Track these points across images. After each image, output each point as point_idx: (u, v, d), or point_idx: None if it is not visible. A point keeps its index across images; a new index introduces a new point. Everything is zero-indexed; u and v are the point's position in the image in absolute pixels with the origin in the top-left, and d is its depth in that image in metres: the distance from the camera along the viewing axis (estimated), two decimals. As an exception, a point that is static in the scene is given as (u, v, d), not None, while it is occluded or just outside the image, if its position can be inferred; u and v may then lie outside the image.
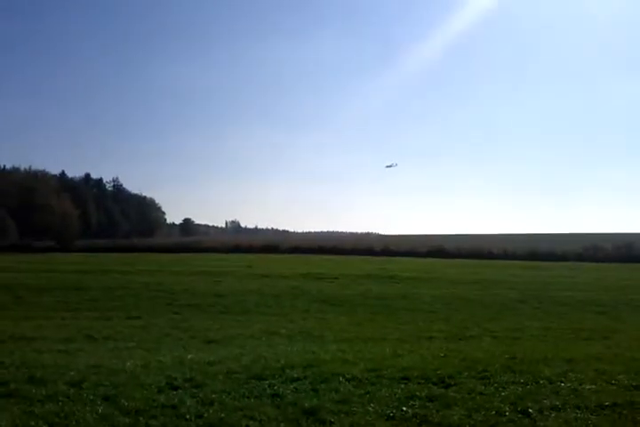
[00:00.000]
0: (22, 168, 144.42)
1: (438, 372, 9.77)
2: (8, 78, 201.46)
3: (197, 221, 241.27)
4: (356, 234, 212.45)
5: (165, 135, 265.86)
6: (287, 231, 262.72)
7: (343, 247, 69.71)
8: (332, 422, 7.23)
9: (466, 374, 9.70)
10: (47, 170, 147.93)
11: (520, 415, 7.45)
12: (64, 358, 11.90)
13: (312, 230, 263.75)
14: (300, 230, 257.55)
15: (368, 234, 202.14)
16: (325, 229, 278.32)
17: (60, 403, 8.12)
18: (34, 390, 8.68)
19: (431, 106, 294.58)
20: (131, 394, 8.57)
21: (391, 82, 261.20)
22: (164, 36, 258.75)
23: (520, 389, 8.81)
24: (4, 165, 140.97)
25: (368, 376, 9.56)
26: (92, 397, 8.46)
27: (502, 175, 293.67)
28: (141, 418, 7.38)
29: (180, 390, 8.89)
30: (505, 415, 7.44)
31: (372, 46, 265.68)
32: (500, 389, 8.81)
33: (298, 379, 9.51)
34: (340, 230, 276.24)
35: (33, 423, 7.09)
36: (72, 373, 9.95)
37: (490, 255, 66.79)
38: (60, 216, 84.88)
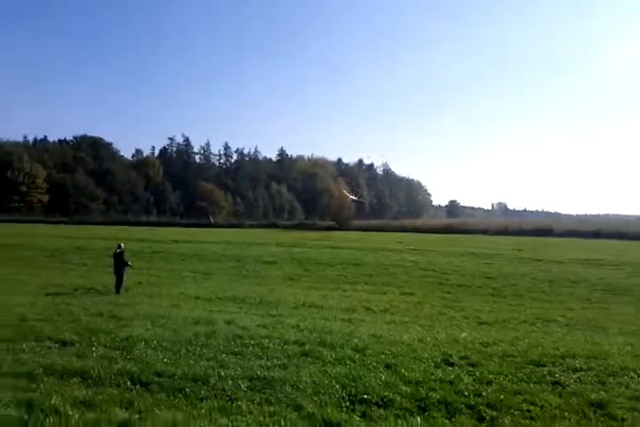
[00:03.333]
0: (306, 156, 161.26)
1: None
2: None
3: (463, 203, 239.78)
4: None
5: (429, 119, 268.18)
6: (559, 214, 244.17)
7: (628, 231, 61.84)
8: (623, 419, 6.70)
9: None
10: (326, 157, 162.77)
11: None
12: (348, 326, 13.14)
13: (588, 213, 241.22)
14: (574, 213, 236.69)
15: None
16: (604, 212, 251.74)
17: (348, 366, 9.04)
18: (325, 353, 9.83)
19: None
20: (409, 365, 9.11)
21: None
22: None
23: None
24: (291, 155, 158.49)
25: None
26: (374, 363, 9.23)
27: None
28: (421, 389, 7.80)
29: (456, 367, 9.12)
30: None
31: None
32: None
33: (581, 369, 8.98)
34: (622, 213, 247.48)
35: (327, 382, 8.04)
36: (356, 340, 10.97)
37: None
38: (338, 198, 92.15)
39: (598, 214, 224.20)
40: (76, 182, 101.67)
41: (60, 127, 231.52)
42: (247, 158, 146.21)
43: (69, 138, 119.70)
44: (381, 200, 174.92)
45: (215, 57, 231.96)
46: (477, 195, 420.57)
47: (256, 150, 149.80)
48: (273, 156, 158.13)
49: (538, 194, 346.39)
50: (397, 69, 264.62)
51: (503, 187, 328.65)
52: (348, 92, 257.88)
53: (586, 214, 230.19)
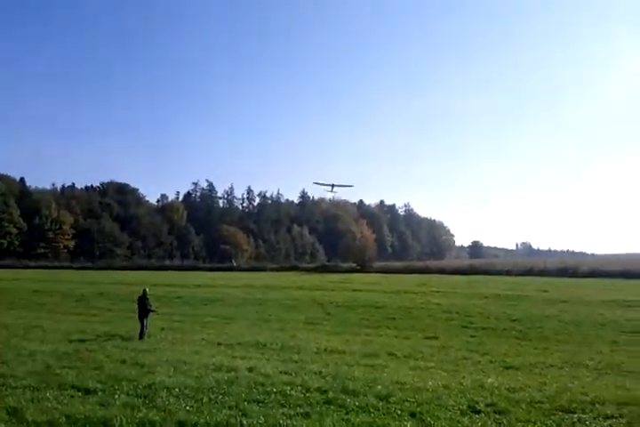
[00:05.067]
0: (327, 198, 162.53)
1: None
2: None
3: (486, 243, 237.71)
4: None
5: (453, 161, 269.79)
6: (584, 253, 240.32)
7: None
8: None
9: None
10: (347, 199, 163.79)
11: None
12: (371, 372, 12.98)
13: (614, 252, 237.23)
14: (599, 252, 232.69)
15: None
16: (631, 251, 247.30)
17: (372, 415, 8.92)
18: (348, 400, 9.72)
19: None
20: (435, 413, 8.96)
21: None
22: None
23: None
24: (313, 196, 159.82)
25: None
26: (399, 411, 9.10)
27: None
28: (448, 438, 7.66)
29: (483, 415, 8.95)
30: None
31: None
32: None
33: (612, 416, 8.75)
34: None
35: (350, 431, 7.94)
36: (379, 387, 10.84)
37: None
38: (360, 240, 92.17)
39: (623, 253, 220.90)
40: (101, 228, 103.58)
41: (88, 174, 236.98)
42: (269, 201, 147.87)
43: (96, 184, 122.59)
44: (404, 241, 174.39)
45: (238, 101, 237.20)
46: (501, 235, 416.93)
47: (278, 193, 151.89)
48: (295, 198, 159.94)
49: (562, 233, 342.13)
50: (426, 111, 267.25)
51: (527, 226, 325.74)
52: (372, 134, 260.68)
53: (611, 254, 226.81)
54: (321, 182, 77.75)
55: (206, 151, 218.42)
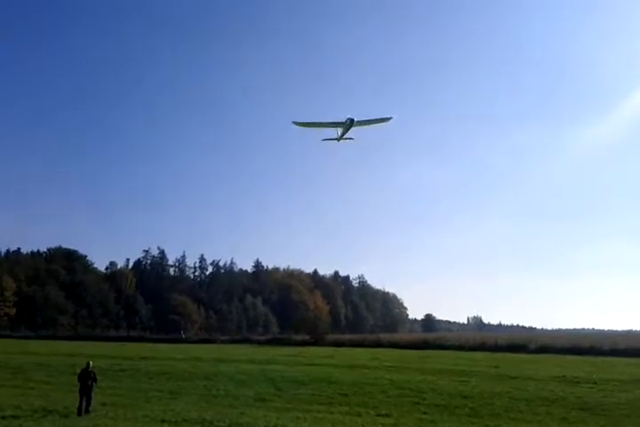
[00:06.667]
0: (282, 268, 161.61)
1: None
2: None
3: (439, 316, 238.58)
4: (618, 332, 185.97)
5: (407, 233, 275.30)
6: (534, 328, 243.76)
7: (602, 348, 61.72)
8: None
9: None
10: (302, 268, 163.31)
11: None
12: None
13: (562, 327, 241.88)
14: (548, 327, 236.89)
15: (630, 332, 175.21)
16: (578, 327, 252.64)
17: None
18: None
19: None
20: None
21: None
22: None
23: None
24: (267, 266, 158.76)
25: None
26: None
27: None
28: None
29: None
30: None
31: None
32: None
33: None
34: (597, 328, 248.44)
35: None
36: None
37: None
38: (313, 311, 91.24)
39: (572, 329, 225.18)
40: (45, 295, 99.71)
41: (35, 239, 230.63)
42: (222, 270, 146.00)
43: (43, 249, 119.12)
44: (357, 313, 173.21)
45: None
46: (453, 308, 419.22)
47: (232, 262, 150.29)
48: (249, 267, 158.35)
49: (512, 308, 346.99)
50: (382, 184, 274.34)
51: (478, 301, 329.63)
52: (324, 205, 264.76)
53: (560, 329, 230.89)
54: None
55: (159, 218, 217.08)
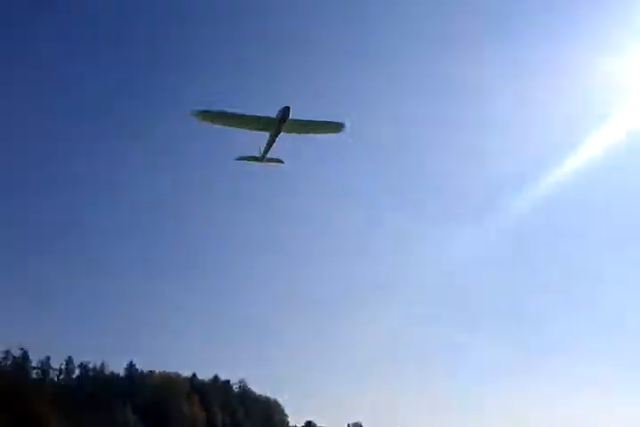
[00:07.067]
0: (157, 371, 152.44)
1: None
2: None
3: (319, 423, 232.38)
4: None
5: (284, 337, 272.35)
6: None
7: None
8: None
9: None
10: (179, 372, 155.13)
11: None
12: None
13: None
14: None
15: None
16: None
17: None
18: None
19: None
20: None
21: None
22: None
23: None
24: (141, 369, 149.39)
25: None
26: None
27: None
28: None
29: None
30: None
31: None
32: None
33: None
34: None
35: None
36: None
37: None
38: (189, 420, 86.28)
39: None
40: None
41: None
42: (91, 373, 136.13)
43: None
44: (235, 420, 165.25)
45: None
46: (332, 414, 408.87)
47: (102, 365, 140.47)
48: (121, 371, 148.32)
49: (395, 414, 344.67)
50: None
51: (359, 406, 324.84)
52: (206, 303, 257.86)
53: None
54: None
55: (27, 317, 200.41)
